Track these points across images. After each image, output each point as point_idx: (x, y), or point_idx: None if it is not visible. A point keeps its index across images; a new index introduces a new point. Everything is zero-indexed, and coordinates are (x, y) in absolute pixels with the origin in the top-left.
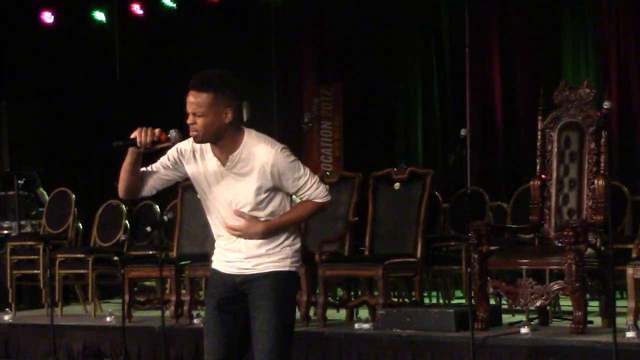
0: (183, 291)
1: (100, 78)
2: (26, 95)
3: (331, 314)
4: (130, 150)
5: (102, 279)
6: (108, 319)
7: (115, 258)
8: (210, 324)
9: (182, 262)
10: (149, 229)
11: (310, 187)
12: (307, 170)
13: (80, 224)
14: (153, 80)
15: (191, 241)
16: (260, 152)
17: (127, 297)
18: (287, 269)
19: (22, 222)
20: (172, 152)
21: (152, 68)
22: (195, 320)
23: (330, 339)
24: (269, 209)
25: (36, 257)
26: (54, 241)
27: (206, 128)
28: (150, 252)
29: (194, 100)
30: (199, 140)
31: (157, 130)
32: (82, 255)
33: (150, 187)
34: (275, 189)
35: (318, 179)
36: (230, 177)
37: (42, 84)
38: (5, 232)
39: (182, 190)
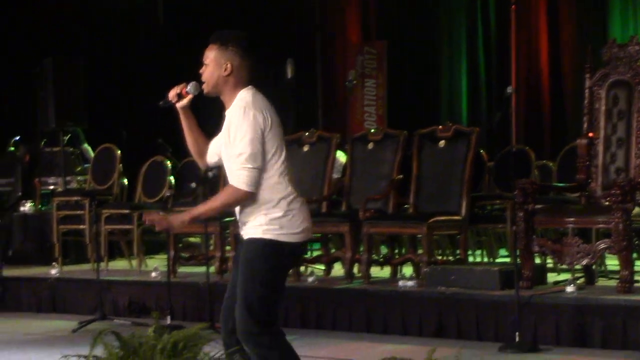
0: (227, 247)
1: (144, 32)
2: (71, 51)
3: (375, 271)
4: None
5: (147, 234)
6: (153, 274)
7: (160, 214)
8: None
9: (227, 219)
10: (193, 185)
11: (240, 162)
12: (251, 147)
13: (125, 180)
14: (197, 34)
15: None
16: (233, 113)
17: (172, 253)
18: (259, 236)
19: (68, 178)
20: None
21: (197, 21)
22: None
23: (374, 296)
24: None
25: (82, 212)
26: (99, 197)
27: (208, 78)
28: None
29: (205, 52)
30: (205, 89)
31: (181, 86)
32: (127, 211)
33: (211, 153)
34: None
35: (256, 166)
36: (224, 133)
37: (87, 39)
38: (51, 187)
39: None
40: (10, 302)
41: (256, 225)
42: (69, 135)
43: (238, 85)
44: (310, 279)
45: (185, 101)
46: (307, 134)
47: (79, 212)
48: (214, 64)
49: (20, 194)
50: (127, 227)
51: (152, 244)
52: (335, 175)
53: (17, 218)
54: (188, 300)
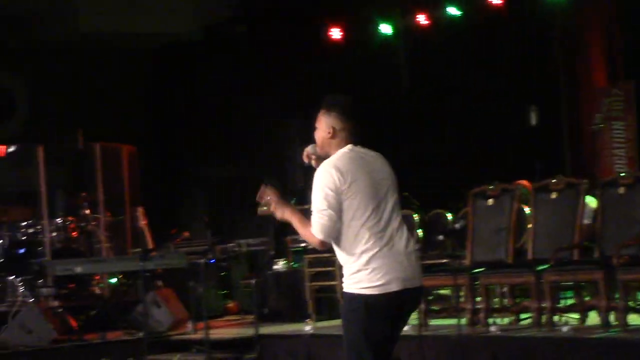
0: (478, 299)
1: (388, 91)
2: (316, 110)
3: (632, 319)
4: None
5: None
6: (405, 328)
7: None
8: None
9: (476, 270)
10: (441, 237)
11: (315, 215)
12: (324, 203)
13: None
14: (441, 99)
15: (484, 248)
16: (318, 170)
17: (422, 306)
18: (346, 290)
19: None
20: None
21: (439, 78)
22: (492, 328)
23: (633, 346)
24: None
25: (332, 268)
26: None
27: (317, 140)
28: (443, 261)
29: (317, 117)
30: (319, 151)
31: (307, 147)
32: None
33: None
34: None
35: (329, 218)
36: None
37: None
38: (303, 245)
39: (473, 198)
40: (267, 358)
41: (345, 279)
42: None
43: (340, 145)
44: (564, 329)
45: (313, 162)
46: (554, 180)
47: (329, 268)
48: (321, 128)
49: (273, 252)
50: None
51: None
52: (586, 221)
53: (271, 276)
54: (441, 353)
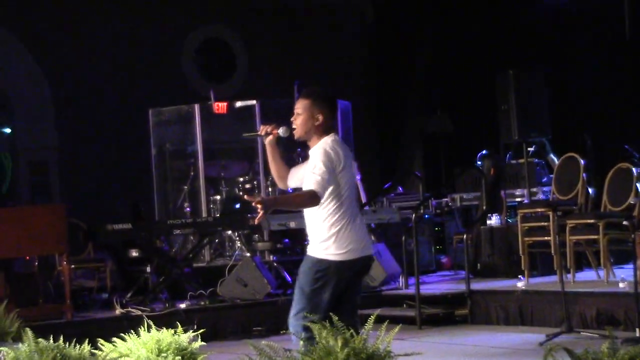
0: None
1: (608, 39)
2: (532, 62)
3: None
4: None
5: (614, 244)
6: (621, 285)
7: (625, 222)
8: None
9: None
10: None
11: (314, 174)
12: (324, 168)
13: (589, 189)
14: None
15: None
16: (317, 151)
17: (639, 263)
18: (312, 254)
19: (533, 190)
20: None
21: None
22: None
23: None
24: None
25: (546, 223)
26: (563, 207)
27: (300, 125)
28: None
29: (298, 104)
30: (296, 135)
31: (272, 126)
32: (593, 221)
33: (294, 178)
34: None
35: (325, 178)
36: (309, 166)
37: (548, 49)
38: (517, 199)
39: None
40: (479, 314)
41: (313, 244)
42: (534, 146)
43: (325, 132)
44: None
45: (271, 138)
46: None
47: (543, 223)
48: (307, 114)
49: (485, 207)
50: (593, 237)
51: (620, 253)
52: None
53: (484, 231)
54: None
